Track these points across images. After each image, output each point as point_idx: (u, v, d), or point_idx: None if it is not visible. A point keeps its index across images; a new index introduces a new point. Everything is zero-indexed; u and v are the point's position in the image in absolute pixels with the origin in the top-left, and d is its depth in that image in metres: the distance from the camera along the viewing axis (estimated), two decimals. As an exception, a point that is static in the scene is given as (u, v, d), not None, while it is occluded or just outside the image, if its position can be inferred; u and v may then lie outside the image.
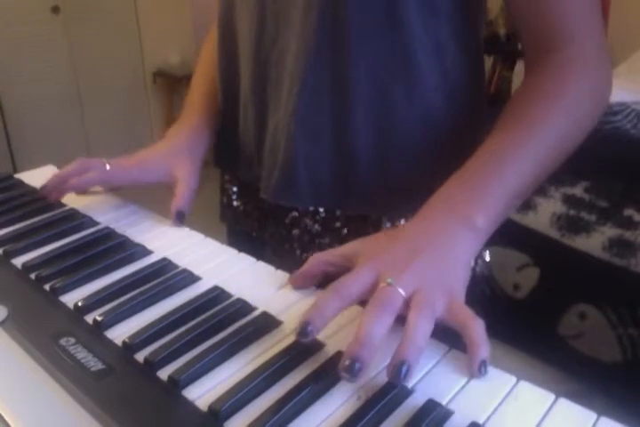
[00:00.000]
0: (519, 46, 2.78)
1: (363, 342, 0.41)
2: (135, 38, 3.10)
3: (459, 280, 0.49)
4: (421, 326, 0.43)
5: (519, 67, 2.82)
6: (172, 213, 0.68)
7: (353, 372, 0.40)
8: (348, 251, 0.52)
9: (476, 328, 0.44)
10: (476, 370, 0.43)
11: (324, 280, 0.54)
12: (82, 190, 0.75)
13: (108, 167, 0.70)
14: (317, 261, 0.53)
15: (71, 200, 0.73)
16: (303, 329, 0.43)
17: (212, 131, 0.80)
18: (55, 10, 2.76)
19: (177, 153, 0.74)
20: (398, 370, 0.40)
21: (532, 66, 0.62)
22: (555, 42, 0.60)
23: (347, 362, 0.40)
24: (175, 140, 0.77)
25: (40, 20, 2.75)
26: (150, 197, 0.76)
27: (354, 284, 0.47)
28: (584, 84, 0.59)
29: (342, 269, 0.51)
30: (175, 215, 0.68)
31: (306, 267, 0.54)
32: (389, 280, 0.45)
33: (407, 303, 0.45)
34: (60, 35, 2.83)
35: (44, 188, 0.71)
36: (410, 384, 0.42)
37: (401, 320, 0.44)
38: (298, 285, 0.55)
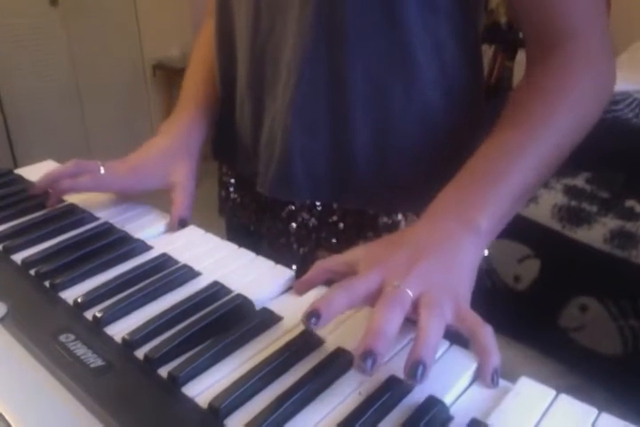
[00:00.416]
0: (520, 35, 2.76)
1: (376, 334, 0.41)
2: (134, 31, 3.09)
3: (464, 285, 0.48)
4: (434, 325, 0.42)
5: (520, 56, 2.81)
6: (172, 221, 0.67)
7: (367, 364, 0.39)
8: (350, 258, 0.51)
9: (485, 335, 0.43)
10: (489, 380, 0.42)
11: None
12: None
13: (102, 172, 0.69)
14: (320, 268, 0.52)
15: (70, 196, 0.73)
16: (309, 318, 0.43)
17: (210, 121, 0.79)
18: (53, 2, 2.75)
19: (173, 154, 0.73)
20: (414, 370, 0.39)
21: (534, 60, 0.61)
22: (558, 36, 0.59)
23: (361, 354, 0.40)
24: (171, 136, 0.75)
25: (38, 13, 2.73)
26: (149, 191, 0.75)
27: (361, 284, 0.46)
28: (587, 81, 0.59)
29: (344, 276, 0.50)
30: (177, 224, 0.67)
31: (309, 275, 0.53)
32: (396, 283, 0.45)
33: (415, 306, 0.44)
34: (59, 27, 2.81)
35: (35, 186, 0.70)
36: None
37: (408, 324, 0.44)
38: (302, 291, 0.54)
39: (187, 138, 0.75)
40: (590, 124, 0.59)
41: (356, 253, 0.51)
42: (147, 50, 3.16)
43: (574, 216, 1.73)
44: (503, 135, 0.57)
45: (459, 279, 0.47)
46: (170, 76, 3.21)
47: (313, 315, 0.43)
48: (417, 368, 0.39)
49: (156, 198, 0.74)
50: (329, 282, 0.52)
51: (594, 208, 1.74)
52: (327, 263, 0.53)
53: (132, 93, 3.20)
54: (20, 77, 2.74)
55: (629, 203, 1.73)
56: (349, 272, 0.50)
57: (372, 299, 0.45)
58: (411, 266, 0.46)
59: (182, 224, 0.67)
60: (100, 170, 0.69)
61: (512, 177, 0.54)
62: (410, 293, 0.44)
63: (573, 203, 1.76)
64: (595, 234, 1.68)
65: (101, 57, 2.98)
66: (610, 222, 1.68)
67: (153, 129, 3.23)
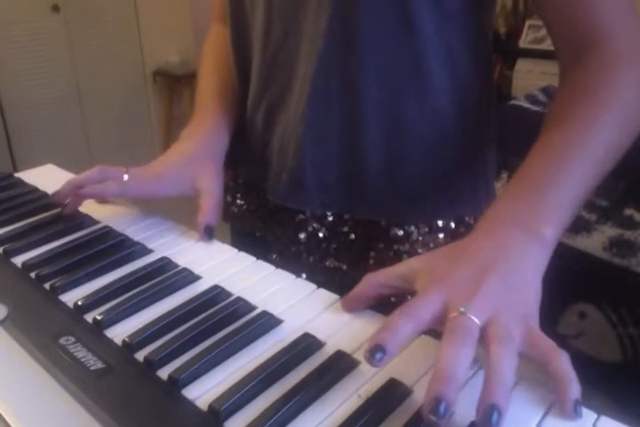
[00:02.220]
0: (520, 45, 2.78)
1: (446, 378, 0.37)
2: (135, 37, 3.10)
3: (532, 303, 0.44)
4: (507, 363, 0.38)
5: (519, 65, 2.82)
6: (199, 228, 0.64)
7: (439, 413, 0.35)
8: (404, 271, 0.48)
9: (562, 363, 0.40)
10: (571, 412, 0.39)
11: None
12: (100, 199, 0.72)
13: (126, 178, 0.66)
14: (371, 282, 0.49)
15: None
16: (374, 353, 0.39)
17: (230, 128, 0.76)
18: (55, 8, 2.76)
19: (198, 159, 0.70)
20: (489, 415, 0.36)
21: (570, 64, 0.59)
22: (596, 36, 0.57)
23: (432, 402, 0.36)
24: (195, 142, 0.72)
25: (40, 19, 2.75)
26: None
27: (425, 309, 0.42)
28: (631, 79, 0.56)
29: (398, 291, 0.48)
30: (204, 231, 0.64)
31: (359, 289, 0.49)
32: (462, 309, 0.41)
33: (482, 333, 0.41)
34: (60, 33, 2.83)
35: (57, 193, 0.68)
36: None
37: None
38: (350, 308, 0.50)
39: (210, 144, 0.73)
40: (638, 123, 0.56)
41: (412, 267, 0.48)
42: (147, 56, 3.17)
43: (573, 224, 1.73)
44: (554, 138, 0.54)
45: (526, 297, 0.44)
46: (170, 82, 3.22)
47: (378, 350, 0.39)
48: (492, 413, 0.36)
49: (158, 202, 0.73)
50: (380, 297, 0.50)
51: (593, 216, 1.74)
52: (379, 277, 0.49)
53: (133, 99, 3.21)
54: (21, 82, 2.75)
55: (628, 211, 1.73)
56: (403, 286, 0.47)
57: (438, 321, 0.42)
58: (475, 286, 0.43)
59: (209, 231, 0.64)
60: (124, 176, 0.66)
61: (572, 182, 0.51)
62: (477, 320, 0.41)
63: (572, 211, 1.76)
64: (594, 242, 1.68)
65: (102, 63, 2.99)
66: (609, 231, 1.68)
67: (153, 134, 3.23)
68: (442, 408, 0.36)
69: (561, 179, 0.51)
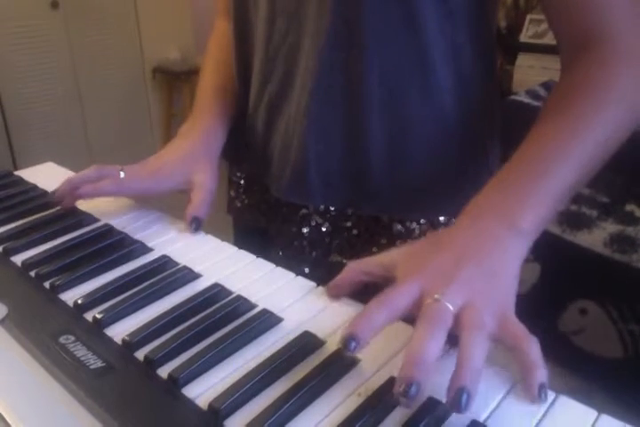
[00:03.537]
0: (520, 39, 2.77)
1: (417, 363, 0.38)
2: (134, 34, 3.09)
3: (508, 292, 0.45)
4: (478, 348, 0.40)
5: (520, 60, 2.81)
6: (187, 219, 0.66)
7: (409, 395, 0.37)
8: (385, 260, 0.49)
9: (531, 348, 0.41)
10: (536, 396, 0.40)
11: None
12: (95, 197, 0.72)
13: (122, 175, 0.67)
14: (353, 270, 0.51)
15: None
16: (348, 341, 0.41)
17: (228, 126, 0.77)
18: (54, 5, 2.75)
19: (194, 156, 0.71)
20: (458, 398, 0.37)
21: (572, 59, 0.59)
22: (598, 34, 0.57)
23: (402, 386, 0.38)
24: (192, 139, 0.73)
25: (39, 16, 2.74)
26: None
27: (400, 297, 0.43)
28: (629, 79, 0.56)
29: (379, 279, 0.49)
30: (190, 221, 0.65)
31: (341, 276, 0.51)
32: (437, 296, 0.42)
33: (456, 319, 0.42)
34: (60, 30, 2.82)
35: (56, 194, 0.69)
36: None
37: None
38: (334, 294, 0.52)
39: (207, 141, 0.74)
40: (634, 122, 0.56)
41: (393, 256, 0.49)
42: (147, 53, 3.17)
43: (574, 220, 1.73)
44: (543, 133, 0.55)
45: (503, 286, 0.45)
46: (169, 79, 3.21)
47: (351, 339, 0.41)
48: (461, 396, 0.37)
49: (158, 199, 0.73)
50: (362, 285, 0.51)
51: (594, 212, 1.74)
52: (360, 265, 0.50)
53: (132, 96, 3.20)
54: (20, 80, 2.75)
55: (629, 207, 1.73)
56: (384, 274, 0.48)
57: (413, 309, 0.43)
58: (452, 274, 0.44)
59: (197, 223, 0.65)
60: (120, 174, 0.67)
61: (554, 177, 0.51)
62: (451, 307, 0.42)
63: (573, 207, 1.76)
64: (595, 238, 1.68)
65: (102, 60, 2.99)
66: (610, 227, 1.68)
67: (153, 131, 3.23)
68: (413, 390, 0.37)
69: (544, 174, 0.51)
